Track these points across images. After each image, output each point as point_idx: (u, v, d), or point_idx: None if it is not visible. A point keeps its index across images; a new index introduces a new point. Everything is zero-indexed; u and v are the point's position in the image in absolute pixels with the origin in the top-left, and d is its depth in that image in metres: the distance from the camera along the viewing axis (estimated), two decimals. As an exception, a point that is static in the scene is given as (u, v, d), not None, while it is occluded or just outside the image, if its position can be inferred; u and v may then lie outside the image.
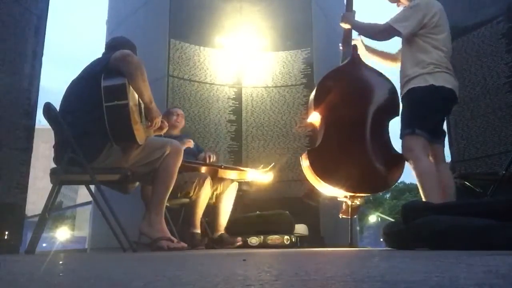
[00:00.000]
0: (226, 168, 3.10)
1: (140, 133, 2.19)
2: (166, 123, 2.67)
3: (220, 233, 2.97)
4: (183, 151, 2.40)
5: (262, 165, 3.27)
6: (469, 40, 3.37)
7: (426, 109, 2.48)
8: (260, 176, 3.20)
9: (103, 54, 2.48)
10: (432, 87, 2.46)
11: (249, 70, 4.49)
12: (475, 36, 3.33)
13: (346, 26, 2.91)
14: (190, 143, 3.07)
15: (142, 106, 2.38)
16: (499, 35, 3.16)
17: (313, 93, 2.91)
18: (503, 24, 3.14)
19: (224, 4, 4.56)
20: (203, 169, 3.00)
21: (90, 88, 2.17)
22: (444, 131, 2.64)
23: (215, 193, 3.13)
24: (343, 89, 2.85)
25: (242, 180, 3.21)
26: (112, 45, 2.49)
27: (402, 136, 2.53)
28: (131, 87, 2.16)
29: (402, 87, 2.64)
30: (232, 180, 3.12)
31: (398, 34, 2.62)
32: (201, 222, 2.95)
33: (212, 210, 3.09)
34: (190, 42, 4.32)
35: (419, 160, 2.43)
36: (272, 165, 3.26)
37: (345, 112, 2.79)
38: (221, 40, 4.47)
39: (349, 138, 2.76)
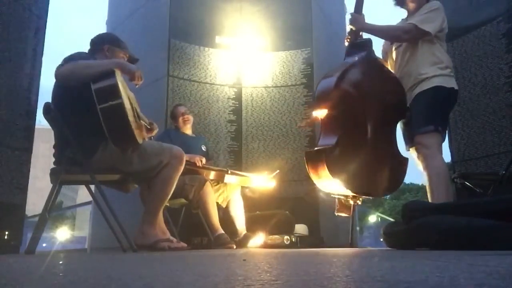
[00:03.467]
0: (232, 173, 3.11)
1: (137, 133, 2.15)
2: (155, 125, 2.60)
3: (243, 233, 3.03)
4: (184, 159, 2.33)
5: (266, 172, 3.29)
6: (469, 40, 3.37)
7: (446, 109, 2.62)
8: (264, 182, 3.22)
9: (89, 50, 2.42)
10: (452, 90, 2.57)
11: (249, 70, 4.48)
12: (475, 36, 3.33)
13: (354, 28, 2.75)
14: (198, 162, 3.01)
15: (135, 106, 2.35)
16: (499, 35, 3.16)
17: (327, 86, 2.61)
18: (503, 24, 3.14)
19: (224, 4, 4.56)
20: (211, 174, 3.02)
21: (78, 87, 2.11)
22: None
23: (221, 195, 3.16)
24: (361, 86, 2.65)
25: (246, 186, 3.24)
26: (92, 42, 2.45)
27: (421, 132, 2.48)
28: (121, 88, 2.09)
29: (416, 83, 2.60)
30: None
31: (424, 34, 2.58)
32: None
33: (225, 214, 3.15)
34: (190, 42, 4.32)
35: (435, 157, 2.44)
36: (276, 172, 3.28)
37: (362, 111, 2.62)
38: (221, 40, 4.47)
39: (365, 139, 2.60)
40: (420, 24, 2.59)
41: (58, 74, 2.13)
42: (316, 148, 2.62)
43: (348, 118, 2.60)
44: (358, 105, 2.63)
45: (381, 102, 2.67)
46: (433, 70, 2.56)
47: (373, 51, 2.74)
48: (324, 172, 2.52)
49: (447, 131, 2.78)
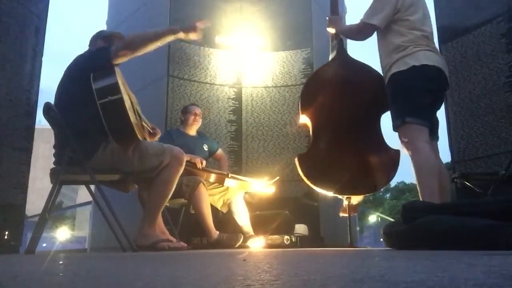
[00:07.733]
0: (233, 177, 3.11)
1: (137, 131, 2.15)
2: (158, 130, 2.60)
3: (249, 234, 3.02)
4: (185, 160, 2.33)
5: (266, 177, 3.29)
6: (469, 40, 3.37)
7: (411, 94, 2.30)
8: (264, 188, 3.22)
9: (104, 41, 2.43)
10: (413, 69, 2.29)
11: (249, 70, 4.49)
12: (475, 36, 3.33)
13: (332, 30, 2.84)
14: (199, 164, 3.02)
15: (136, 107, 2.34)
16: (499, 35, 3.16)
17: (300, 95, 2.86)
18: (503, 24, 3.14)
19: (224, 4, 4.56)
20: (211, 177, 3.02)
21: (80, 87, 2.13)
22: (437, 121, 2.46)
23: (222, 199, 3.15)
24: (330, 88, 2.77)
25: (246, 191, 3.24)
26: (94, 39, 2.47)
27: (395, 128, 2.36)
28: (122, 87, 2.12)
29: (384, 78, 2.50)
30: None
31: (375, 28, 2.48)
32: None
33: (228, 217, 3.16)
34: (190, 42, 4.32)
35: (417, 151, 2.23)
36: (276, 178, 3.28)
37: (334, 112, 2.72)
38: (221, 40, 4.47)
39: (340, 138, 2.69)
40: (367, 18, 2.48)
41: (117, 50, 2.17)
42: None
43: (319, 123, 2.73)
44: (327, 108, 2.73)
45: (355, 100, 2.68)
46: (390, 58, 2.41)
47: (343, 51, 2.80)
48: (305, 179, 2.67)
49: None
